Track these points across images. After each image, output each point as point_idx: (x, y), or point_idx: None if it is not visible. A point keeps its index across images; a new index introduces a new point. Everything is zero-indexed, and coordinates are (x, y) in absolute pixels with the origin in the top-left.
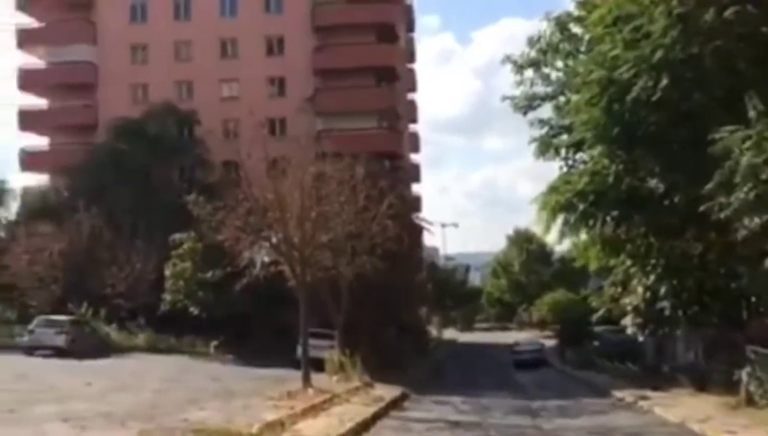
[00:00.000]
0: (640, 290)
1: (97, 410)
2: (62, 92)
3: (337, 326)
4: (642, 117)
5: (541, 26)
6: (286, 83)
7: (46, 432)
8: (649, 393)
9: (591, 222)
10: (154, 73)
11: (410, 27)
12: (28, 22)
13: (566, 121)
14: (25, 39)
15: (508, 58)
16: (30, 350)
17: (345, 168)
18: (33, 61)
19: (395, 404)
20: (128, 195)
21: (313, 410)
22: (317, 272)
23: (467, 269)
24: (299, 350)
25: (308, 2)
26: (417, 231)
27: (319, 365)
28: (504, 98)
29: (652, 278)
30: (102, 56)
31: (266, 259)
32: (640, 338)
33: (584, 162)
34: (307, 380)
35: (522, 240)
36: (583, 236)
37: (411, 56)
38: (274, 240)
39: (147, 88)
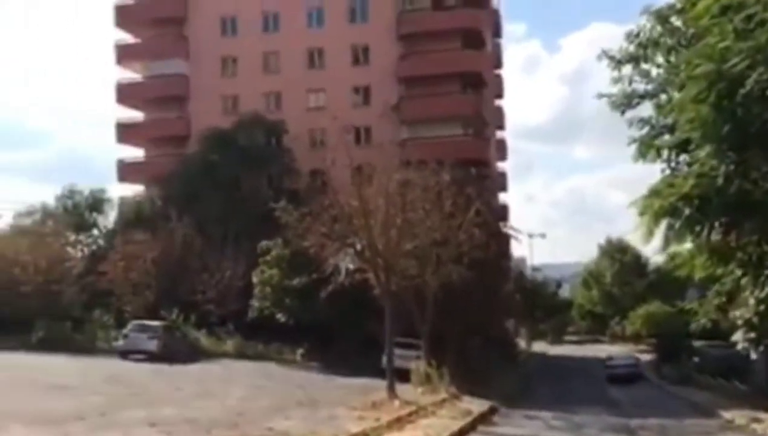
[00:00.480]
0: (752, 302)
1: (184, 415)
2: (157, 105)
3: (422, 336)
4: (755, 114)
5: (639, 21)
6: (371, 92)
7: None
8: (762, 415)
9: (698, 228)
10: (243, 85)
11: (497, 33)
12: (126, 38)
13: (669, 121)
14: (123, 55)
15: (605, 54)
16: (124, 354)
17: (430, 175)
18: (130, 75)
19: (484, 418)
20: (218, 204)
21: (398, 423)
22: (402, 280)
23: (558, 284)
24: (384, 360)
25: (393, 10)
26: (504, 240)
27: (404, 376)
28: (600, 96)
29: (766, 289)
30: (194, 69)
31: (351, 266)
32: (753, 355)
33: (688, 164)
34: (392, 391)
35: (614, 250)
36: (688, 243)
37: (498, 62)
38: (358, 247)
39: (237, 99)
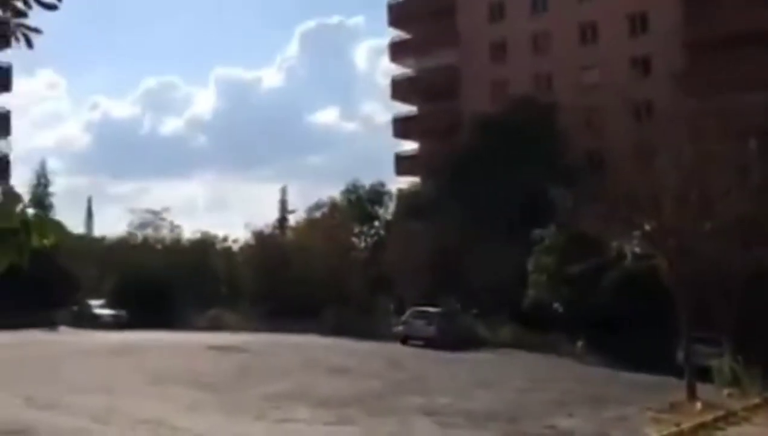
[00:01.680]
0: None
1: (460, 406)
2: (429, 97)
3: (725, 330)
4: None
5: None
6: (651, 62)
7: (410, 426)
8: None
9: None
10: (512, 69)
11: None
12: (399, 35)
13: None
14: (397, 52)
15: None
16: (404, 340)
17: (730, 147)
18: (403, 71)
19: None
20: (492, 190)
21: (704, 430)
22: (700, 266)
23: None
24: (680, 356)
25: None
26: None
27: (702, 375)
28: None
29: None
30: (463, 58)
31: (637, 250)
32: None
33: None
34: (692, 392)
35: None
36: None
37: None
38: (647, 228)
39: (506, 84)
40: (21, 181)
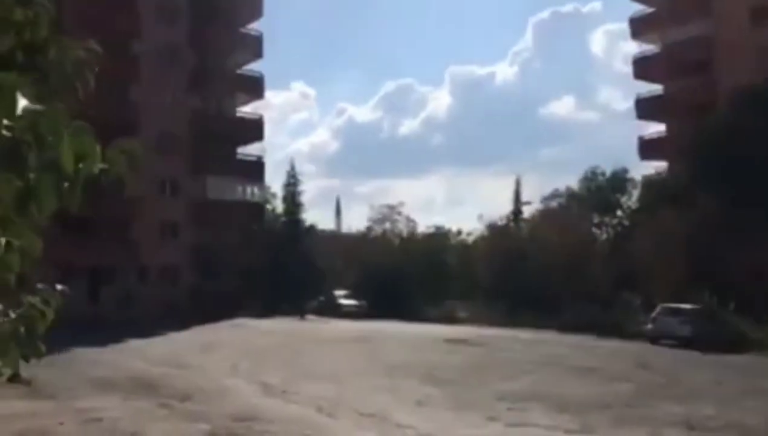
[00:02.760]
0: None
1: (728, 418)
2: (677, 73)
3: None
4: None
5: None
6: None
7: None
8: None
9: None
10: None
11: None
12: (642, 9)
13: None
14: (639, 28)
15: None
16: (653, 339)
17: None
18: (646, 48)
19: None
20: (756, 172)
21: None
22: None
23: None
24: None
25: None
26: None
27: None
28: None
29: None
30: (718, 28)
31: None
32: None
33: None
34: None
35: None
36: None
37: None
38: None
39: None
40: (277, 182)
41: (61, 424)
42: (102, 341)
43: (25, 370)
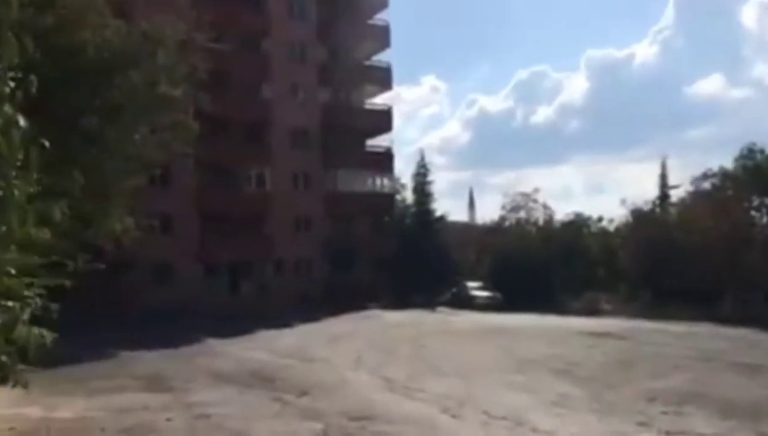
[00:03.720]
0: None
1: None
2: None
3: None
4: None
5: None
6: None
7: None
8: None
9: None
10: None
11: None
12: None
13: None
14: None
15: None
16: None
17: None
18: None
19: None
20: None
21: None
22: None
23: None
24: None
25: None
26: None
27: None
28: None
29: None
30: None
31: None
32: None
33: None
34: None
35: None
36: None
37: None
38: None
39: None
40: (407, 177)
41: (169, 420)
42: (235, 332)
43: (157, 363)
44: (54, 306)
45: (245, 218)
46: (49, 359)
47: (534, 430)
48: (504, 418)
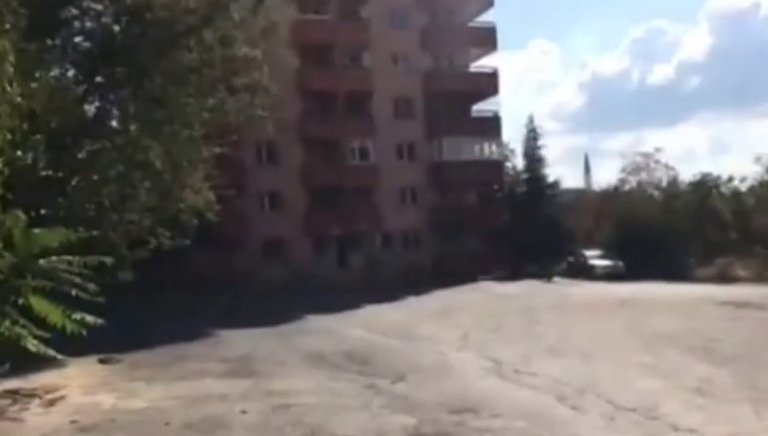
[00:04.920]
0: None
1: None
2: None
3: None
4: None
5: None
6: None
7: None
8: None
9: None
10: None
11: None
12: None
13: None
14: None
15: None
16: None
17: None
18: None
19: None
20: None
21: None
22: None
23: None
24: None
25: None
26: None
27: None
28: None
29: None
30: None
31: None
32: None
33: None
34: None
35: None
36: None
37: None
38: None
39: None
40: (518, 145)
41: (244, 412)
42: (339, 307)
43: (251, 343)
44: (91, 287)
45: (351, 191)
46: (149, 339)
47: (674, 427)
48: (633, 410)
